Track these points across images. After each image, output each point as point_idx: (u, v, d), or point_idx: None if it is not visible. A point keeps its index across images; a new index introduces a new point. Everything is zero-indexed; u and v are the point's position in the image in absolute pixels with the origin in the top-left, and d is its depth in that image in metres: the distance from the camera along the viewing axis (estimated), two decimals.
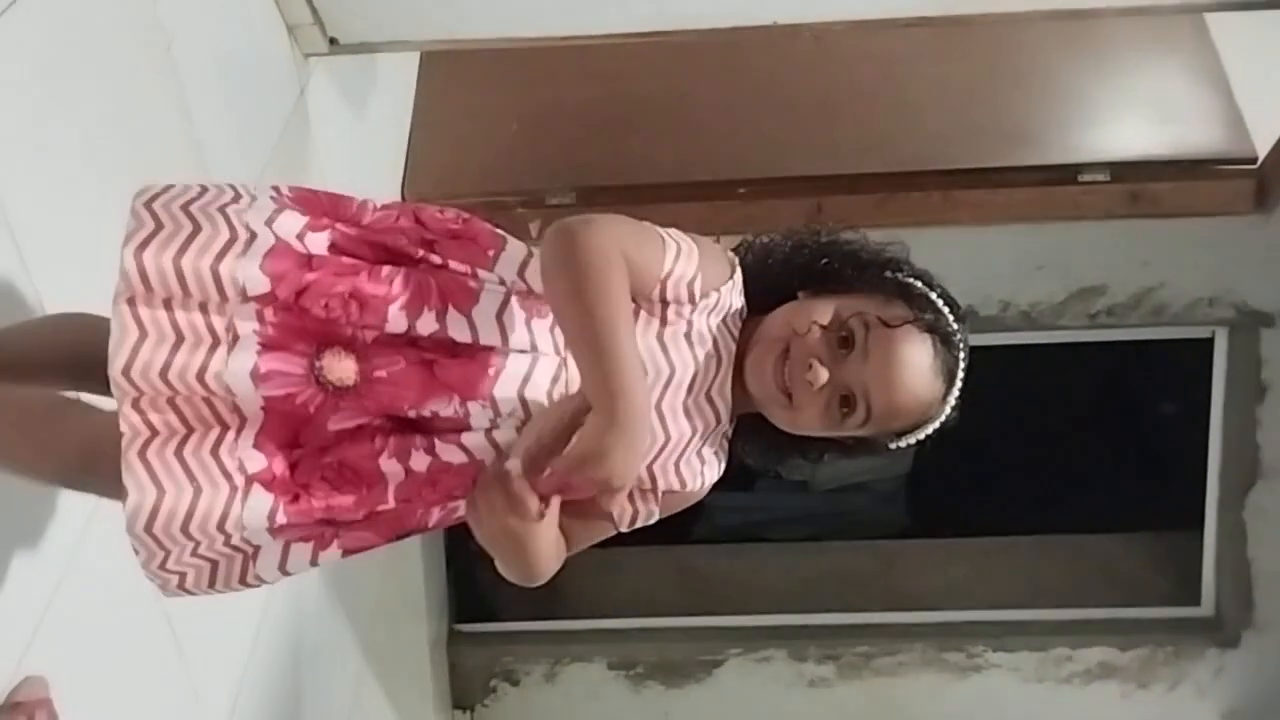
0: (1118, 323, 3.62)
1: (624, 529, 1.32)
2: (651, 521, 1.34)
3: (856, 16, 2.77)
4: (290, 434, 1.20)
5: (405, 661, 3.75)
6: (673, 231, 1.27)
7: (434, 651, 3.96)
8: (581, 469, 1.07)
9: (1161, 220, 3.40)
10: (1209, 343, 3.76)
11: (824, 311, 1.27)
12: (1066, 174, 3.42)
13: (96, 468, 1.31)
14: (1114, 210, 3.41)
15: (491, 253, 1.27)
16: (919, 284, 1.31)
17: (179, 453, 1.19)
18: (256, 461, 1.19)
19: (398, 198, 3.45)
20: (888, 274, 1.31)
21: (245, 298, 1.16)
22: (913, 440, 1.31)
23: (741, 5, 2.73)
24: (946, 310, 1.29)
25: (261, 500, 1.19)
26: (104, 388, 1.20)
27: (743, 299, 1.32)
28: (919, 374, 1.25)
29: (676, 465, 1.31)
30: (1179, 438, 4.06)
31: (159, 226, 1.18)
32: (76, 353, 1.38)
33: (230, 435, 1.19)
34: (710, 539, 4.85)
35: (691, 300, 1.26)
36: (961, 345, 1.29)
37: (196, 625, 2.18)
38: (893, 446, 1.33)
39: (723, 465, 1.37)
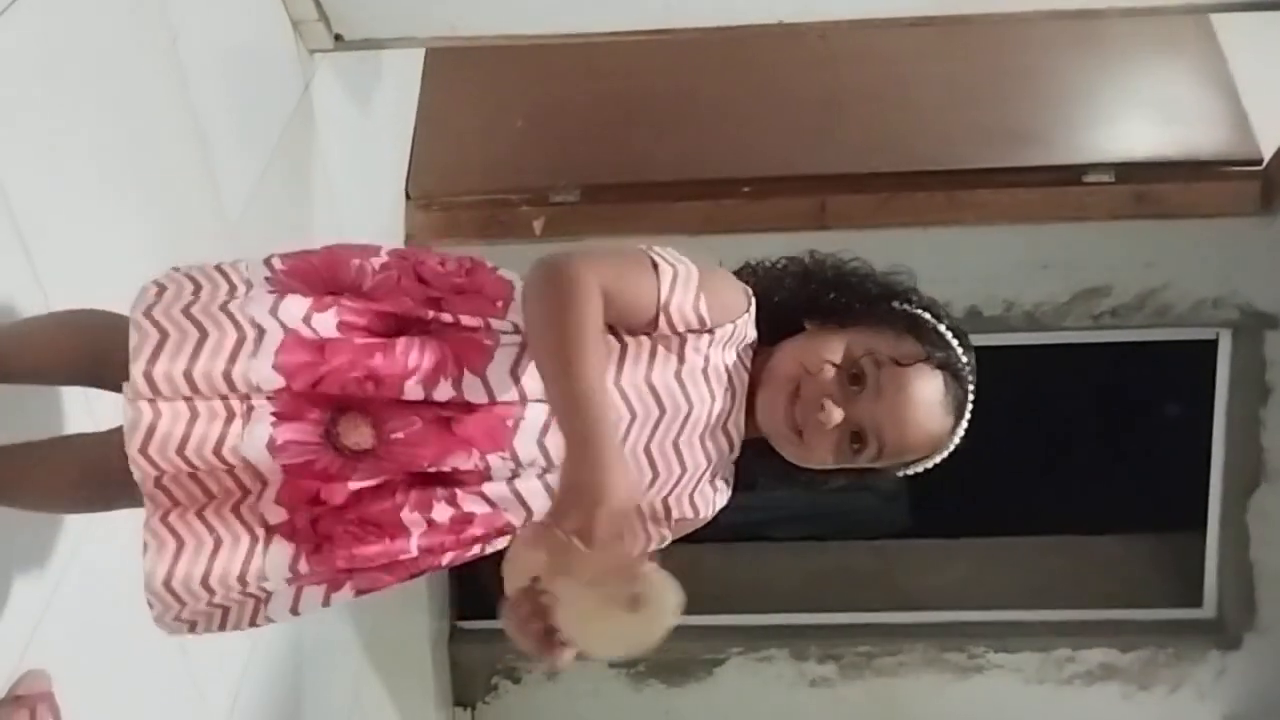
0: (1121, 324, 3.62)
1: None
2: (662, 546, 1.35)
3: (861, 15, 2.76)
4: (312, 492, 1.20)
5: (406, 658, 3.75)
6: (669, 253, 1.25)
7: (435, 648, 3.96)
8: (569, 508, 1.03)
9: (1166, 221, 3.40)
10: (1213, 344, 3.75)
11: (835, 349, 1.26)
12: (1071, 174, 3.42)
13: (93, 484, 1.34)
14: (1119, 211, 3.40)
15: (500, 303, 1.25)
16: (928, 317, 1.30)
17: (200, 513, 1.20)
18: (277, 515, 1.20)
19: (401, 195, 3.45)
20: (896, 306, 1.31)
21: (260, 393, 1.17)
22: (921, 469, 1.32)
23: (747, 4, 2.72)
24: (955, 343, 1.29)
25: (283, 549, 1.20)
26: (112, 386, 1.21)
27: (755, 330, 1.32)
28: (931, 411, 1.26)
29: (691, 495, 1.32)
30: (1182, 439, 4.05)
31: (164, 336, 1.17)
32: (84, 352, 1.38)
33: (251, 498, 1.20)
34: (712, 538, 4.84)
35: (705, 329, 1.24)
36: (970, 378, 1.30)
37: None
38: (900, 474, 1.33)
39: (730, 490, 1.38)
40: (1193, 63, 3.57)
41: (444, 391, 1.18)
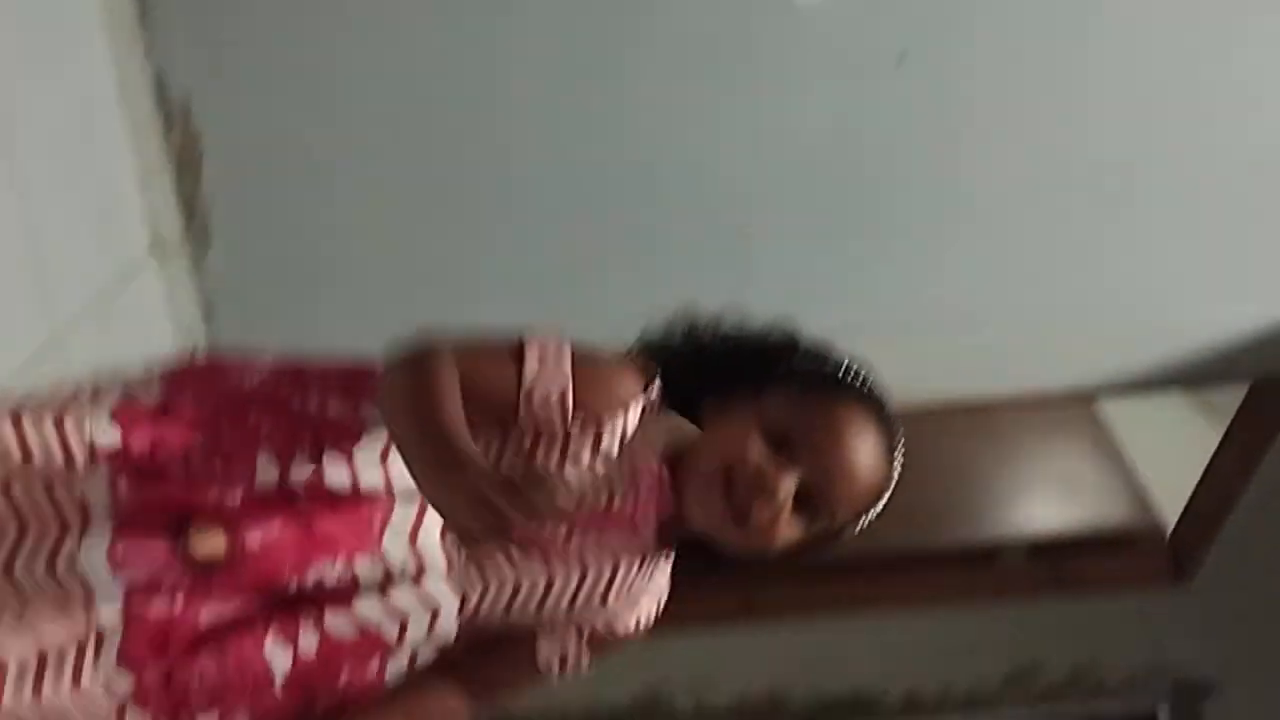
0: (1059, 700, 3.55)
1: (553, 674, 1.24)
2: (582, 668, 1.25)
3: None
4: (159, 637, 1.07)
5: None
6: (547, 344, 1.19)
7: None
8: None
9: (1085, 597, 3.42)
10: (1152, 718, 3.68)
11: (750, 424, 1.20)
12: (984, 555, 3.46)
13: None
14: (1037, 589, 3.43)
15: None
16: (824, 359, 1.26)
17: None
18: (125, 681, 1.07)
19: None
20: (794, 362, 1.26)
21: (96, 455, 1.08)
22: (874, 515, 1.24)
23: None
24: (853, 375, 1.25)
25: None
26: None
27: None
28: (869, 445, 1.19)
29: (603, 601, 1.22)
30: None
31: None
32: None
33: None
34: None
35: (587, 423, 1.18)
36: (885, 401, 1.24)
37: None
38: (857, 530, 1.25)
39: (658, 603, 1.28)
40: (1083, 443, 3.73)
41: (302, 470, 1.10)
